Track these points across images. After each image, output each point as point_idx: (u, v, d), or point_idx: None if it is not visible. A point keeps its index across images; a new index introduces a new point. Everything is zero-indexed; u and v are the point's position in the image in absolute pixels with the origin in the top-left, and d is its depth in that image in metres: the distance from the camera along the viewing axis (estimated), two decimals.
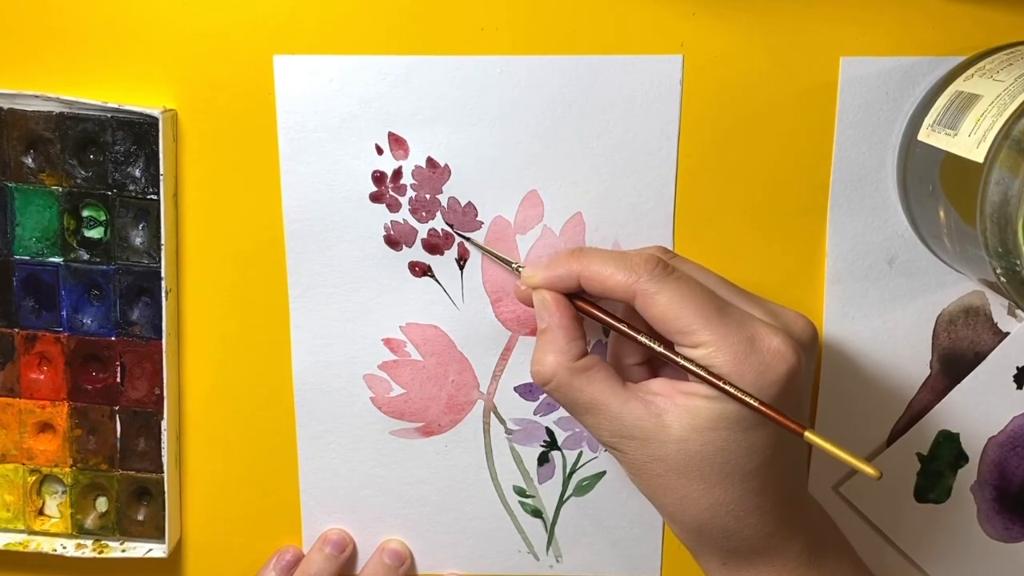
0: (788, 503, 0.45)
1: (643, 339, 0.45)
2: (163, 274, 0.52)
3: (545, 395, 0.54)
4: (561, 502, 0.56)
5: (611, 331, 0.48)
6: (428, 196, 0.51)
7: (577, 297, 0.47)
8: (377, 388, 0.54)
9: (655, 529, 0.56)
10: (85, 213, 0.52)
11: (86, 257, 0.52)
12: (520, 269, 0.49)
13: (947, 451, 0.54)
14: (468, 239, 0.51)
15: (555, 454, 0.55)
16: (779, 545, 0.45)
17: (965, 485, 0.54)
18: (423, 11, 0.49)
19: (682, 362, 0.43)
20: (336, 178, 0.51)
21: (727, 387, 0.41)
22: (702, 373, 0.42)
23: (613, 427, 0.44)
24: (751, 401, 0.41)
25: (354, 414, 0.54)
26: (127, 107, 0.50)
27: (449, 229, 0.52)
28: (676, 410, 0.43)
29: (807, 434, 0.41)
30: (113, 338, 0.53)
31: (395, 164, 0.51)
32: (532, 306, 0.47)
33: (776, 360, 0.42)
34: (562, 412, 0.54)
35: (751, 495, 0.43)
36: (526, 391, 0.54)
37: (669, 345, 0.44)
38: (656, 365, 0.48)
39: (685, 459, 0.43)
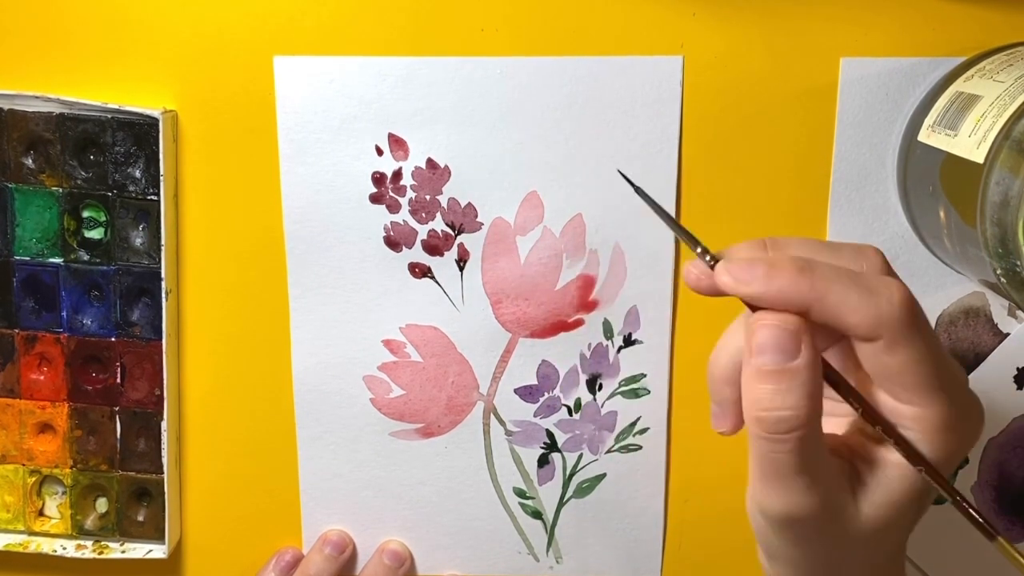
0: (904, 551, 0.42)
1: (864, 411, 0.37)
2: (163, 274, 0.52)
3: (546, 397, 0.54)
4: (561, 504, 0.55)
5: None
6: (428, 197, 0.51)
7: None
8: (377, 389, 0.54)
9: (656, 531, 0.56)
10: (85, 214, 0.52)
11: (86, 258, 0.52)
12: (708, 258, 0.37)
13: None
14: (652, 201, 0.39)
15: (555, 456, 0.55)
16: None
17: (965, 486, 0.54)
18: (423, 12, 0.49)
19: (894, 445, 0.37)
20: (336, 179, 0.51)
21: (928, 472, 0.37)
22: (915, 457, 0.37)
23: (818, 491, 0.36)
24: (950, 497, 0.37)
25: (354, 415, 0.54)
26: (127, 108, 0.50)
27: (449, 230, 0.52)
28: (870, 480, 0.37)
29: (999, 543, 0.38)
30: (113, 339, 0.53)
31: (395, 165, 0.51)
32: (704, 293, 0.38)
33: (977, 429, 0.38)
34: (562, 414, 0.54)
35: (893, 560, 0.40)
36: (526, 393, 0.54)
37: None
38: None
39: (870, 534, 0.38)
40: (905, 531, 0.39)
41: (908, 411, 0.36)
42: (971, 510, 0.37)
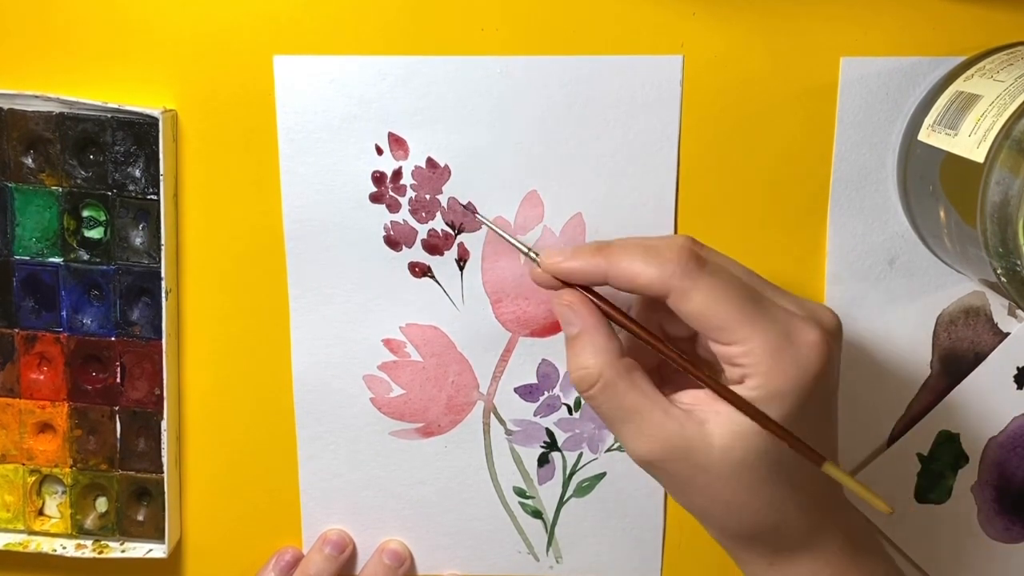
0: (827, 491, 0.44)
1: (669, 351, 0.43)
2: (163, 274, 0.52)
3: (546, 396, 0.54)
4: (561, 503, 0.55)
5: (624, 336, 0.47)
6: (428, 196, 0.51)
7: (593, 294, 0.45)
8: (377, 389, 0.54)
9: (655, 530, 0.56)
10: (85, 213, 0.52)
11: (86, 257, 0.52)
12: (536, 256, 0.46)
13: (947, 451, 0.54)
14: (486, 221, 0.50)
15: (555, 455, 0.55)
16: (822, 537, 0.44)
17: (965, 485, 0.54)
18: (423, 11, 0.49)
19: (709, 381, 0.42)
20: (336, 178, 0.51)
21: (749, 408, 0.41)
22: (728, 394, 0.41)
23: (653, 436, 0.42)
24: (773, 428, 0.40)
25: (354, 415, 0.54)
26: (127, 107, 0.50)
27: (449, 229, 0.52)
28: (718, 418, 0.41)
29: (826, 467, 0.41)
30: (113, 338, 0.53)
31: (395, 164, 0.51)
32: (547, 286, 0.46)
33: (813, 353, 0.41)
34: (562, 413, 0.54)
35: (796, 489, 0.43)
36: (526, 392, 0.54)
37: (690, 346, 0.43)
38: (665, 372, 0.47)
39: (729, 466, 0.41)
40: (770, 466, 0.42)
41: (734, 351, 0.41)
42: (792, 438, 0.41)
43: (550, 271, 0.45)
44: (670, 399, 0.43)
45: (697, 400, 0.42)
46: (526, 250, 0.47)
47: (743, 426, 0.41)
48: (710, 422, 0.41)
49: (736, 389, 0.41)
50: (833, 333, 0.43)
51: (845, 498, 0.47)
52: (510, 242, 0.49)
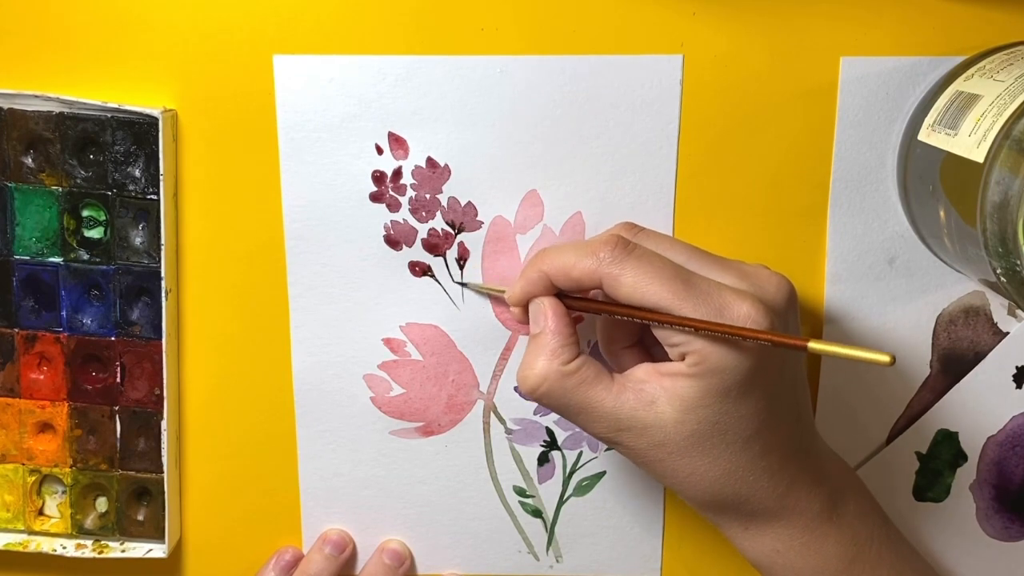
0: (797, 459, 0.45)
1: (631, 312, 0.44)
2: (163, 274, 0.52)
3: None
4: (561, 502, 0.56)
5: (599, 319, 0.48)
6: (428, 196, 0.51)
7: (563, 295, 0.46)
8: (377, 388, 0.54)
9: (655, 529, 0.56)
10: (85, 213, 0.52)
11: (86, 257, 0.52)
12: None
13: (946, 450, 0.54)
14: (464, 284, 0.52)
15: (555, 454, 0.55)
16: (795, 504, 0.45)
17: (964, 484, 0.54)
18: (423, 11, 0.49)
19: (673, 321, 0.42)
20: (336, 178, 0.51)
21: (725, 332, 0.41)
22: (697, 324, 0.41)
23: (608, 423, 0.44)
24: (750, 334, 0.41)
25: (354, 414, 0.54)
26: (127, 107, 0.50)
27: (449, 228, 0.52)
28: (665, 394, 0.43)
29: (811, 344, 0.40)
30: (113, 338, 0.53)
31: (395, 164, 0.51)
32: (524, 319, 0.48)
33: (748, 318, 0.42)
34: None
35: (756, 459, 0.44)
36: None
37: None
38: (647, 344, 0.48)
39: (684, 439, 0.43)
40: (724, 435, 0.43)
41: (668, 331, 0.42)
42: (769, 335, 0.41)
43: (511, 303, 0.47)
44: (625, 376, 0.44)
45: (648, 375, 0.44)
46: (498, 293, 0.51)
47: (689, 400, 0.42)
48: (660, 399, 0.43)
49: (676, 367, 0.43)
50: (777, 303, 0.44)
51: (823, 453, 0.47)
52: (485, 292, 0.52)
